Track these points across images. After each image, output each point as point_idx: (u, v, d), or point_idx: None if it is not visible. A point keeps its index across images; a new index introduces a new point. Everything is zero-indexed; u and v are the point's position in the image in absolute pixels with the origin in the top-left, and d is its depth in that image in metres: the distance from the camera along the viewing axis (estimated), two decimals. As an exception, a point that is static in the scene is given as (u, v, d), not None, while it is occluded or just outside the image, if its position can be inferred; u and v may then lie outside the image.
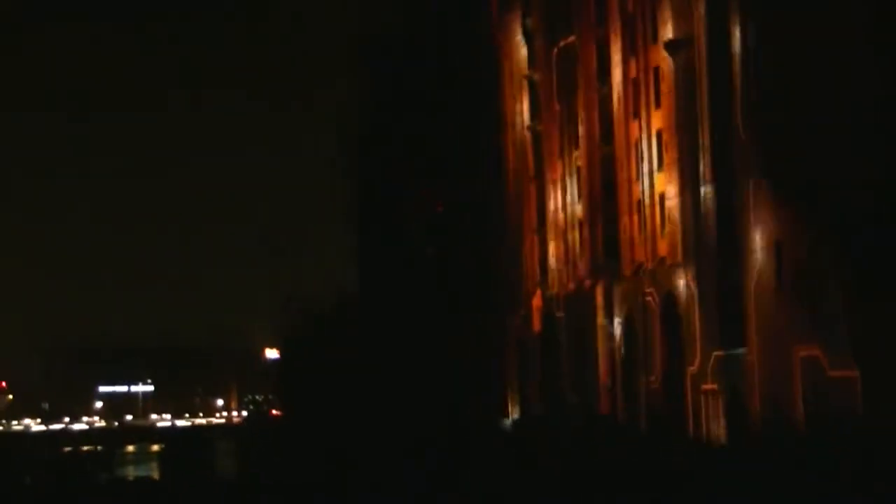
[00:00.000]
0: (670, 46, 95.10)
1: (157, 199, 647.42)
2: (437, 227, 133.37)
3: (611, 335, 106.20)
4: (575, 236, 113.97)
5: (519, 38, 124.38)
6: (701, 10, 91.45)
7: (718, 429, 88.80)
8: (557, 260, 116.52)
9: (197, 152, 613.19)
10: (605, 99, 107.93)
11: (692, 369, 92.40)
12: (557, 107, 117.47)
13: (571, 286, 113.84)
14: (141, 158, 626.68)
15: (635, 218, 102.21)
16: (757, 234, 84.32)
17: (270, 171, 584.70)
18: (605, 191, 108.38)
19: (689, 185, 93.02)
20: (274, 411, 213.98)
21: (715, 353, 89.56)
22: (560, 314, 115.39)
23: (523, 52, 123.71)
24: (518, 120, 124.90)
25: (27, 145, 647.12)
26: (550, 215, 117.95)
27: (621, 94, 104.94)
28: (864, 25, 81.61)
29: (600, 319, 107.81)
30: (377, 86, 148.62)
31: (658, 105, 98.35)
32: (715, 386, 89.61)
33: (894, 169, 77.87)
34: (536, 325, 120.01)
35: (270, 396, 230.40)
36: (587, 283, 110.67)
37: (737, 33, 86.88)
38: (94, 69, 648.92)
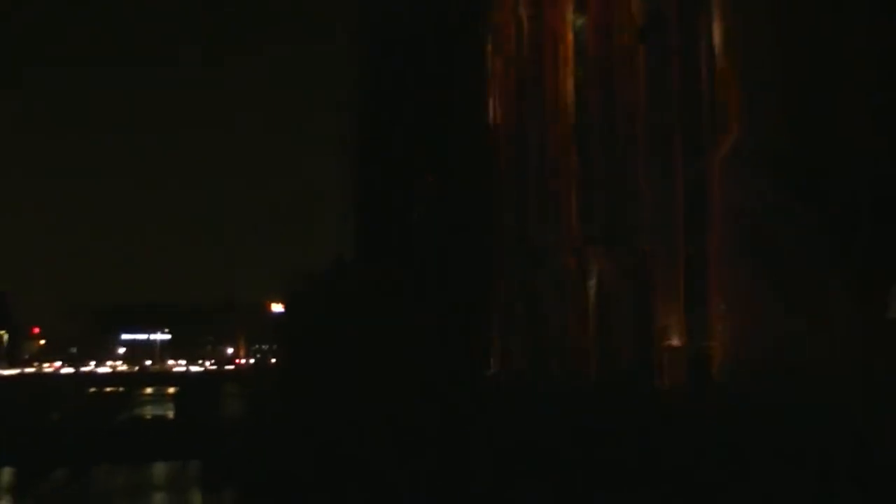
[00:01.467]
0: (640, 32, 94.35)
1: (177, 172, 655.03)
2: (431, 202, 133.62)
3: (586, 296, 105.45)
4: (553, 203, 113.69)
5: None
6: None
7: (680, 378, 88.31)
8: (538, 224, 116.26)
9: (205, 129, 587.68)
10: (582, 72, 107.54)
11: (658, 326, 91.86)
12: (533, 86, 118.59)
13: (549, 251, 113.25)
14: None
15: (610, 189, 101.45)
16: (718, 205, 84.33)
17: (277, 145, 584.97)
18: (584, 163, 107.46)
19: (660, 154, 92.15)
20: (273, 360, 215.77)
21: (679, 312, 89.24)
22: (542, 279, 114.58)
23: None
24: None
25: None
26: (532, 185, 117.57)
27: (596, 73, 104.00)
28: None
29: (577, 283, 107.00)
30: (378, 81, 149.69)
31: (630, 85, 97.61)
32: (677, 342, 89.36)
33: (848, 131, 77.03)
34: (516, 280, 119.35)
35: (274, 346, 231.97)
36: (565, 246, 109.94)
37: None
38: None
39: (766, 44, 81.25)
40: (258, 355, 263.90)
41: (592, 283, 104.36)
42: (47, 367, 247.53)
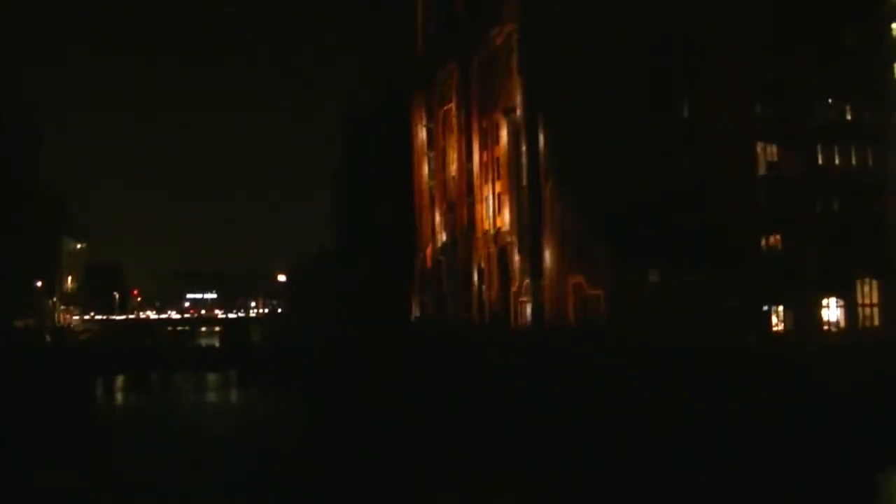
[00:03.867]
0: (505, 111, 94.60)
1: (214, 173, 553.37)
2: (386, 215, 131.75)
3: (470, 271, 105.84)
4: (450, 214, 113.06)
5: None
6: (519, 92, 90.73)
7: (526, 323, 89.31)
8: (441, 226, 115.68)
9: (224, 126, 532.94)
10: (469, 136, 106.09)
11: (514, 290, 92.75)
12: (441, 144, 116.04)
13: (448, 241, 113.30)
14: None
15: (484, 205, 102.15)
16: (552, 214, 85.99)
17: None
18: (468, 190, 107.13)
19: (515, 187, 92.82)
20: (279, 310, 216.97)
21: (526, 281, 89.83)
22: (443, 258, 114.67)
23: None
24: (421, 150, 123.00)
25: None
26: (438, 202, 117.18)
27: (478, 135, 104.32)
28: (640, 91, 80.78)
29: (464, 261, 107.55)
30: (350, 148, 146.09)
31: (497, 142, 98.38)
32: (526, 299, 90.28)
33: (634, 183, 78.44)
34: (429, 263, 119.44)
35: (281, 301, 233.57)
36: (458, 240, 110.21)
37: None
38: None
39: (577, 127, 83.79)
40: (271, 307, 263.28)
41: (474, 264, 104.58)
42: (142, 315, 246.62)
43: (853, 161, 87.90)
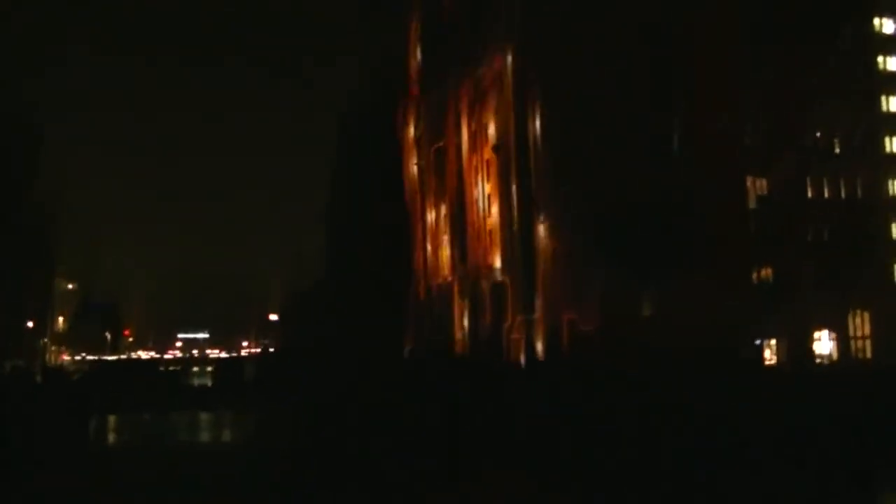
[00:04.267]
0: (495, 148, 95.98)
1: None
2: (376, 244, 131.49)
3: (462, 306, 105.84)
4: (444, 250, 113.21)
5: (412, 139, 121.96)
6: (511, 123, 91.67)
7: (519, 359, 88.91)
8: (434, 262, 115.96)
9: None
10: (461, 174, 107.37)
11: (507, 326, 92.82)
12: (433, 182, 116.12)
13: (441, 279, 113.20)
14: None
15: (476, 241, 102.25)
16: (542, 248, 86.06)
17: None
18: (461, 227, 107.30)
19: (506, 221, 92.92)
20: (271, 349, 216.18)
21: (519, 317, 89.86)
22: (436, 294, 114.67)
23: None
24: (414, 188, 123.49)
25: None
26: (431, 238, 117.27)
27: (469, 174, 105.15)
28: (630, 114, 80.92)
29: (457, 297, 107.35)
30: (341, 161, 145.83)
31: (488, 180, 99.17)
32: (519, 336, 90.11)
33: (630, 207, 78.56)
34: (422, 297, 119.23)
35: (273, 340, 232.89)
36: (449, 276, 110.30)
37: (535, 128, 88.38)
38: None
39: (570, 163, 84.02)
40: (263, 345, 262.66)
41: (466, 300, 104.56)
42: (134, 355, 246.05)
43: (842, 191, 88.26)
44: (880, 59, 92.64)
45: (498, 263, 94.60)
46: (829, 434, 53.12)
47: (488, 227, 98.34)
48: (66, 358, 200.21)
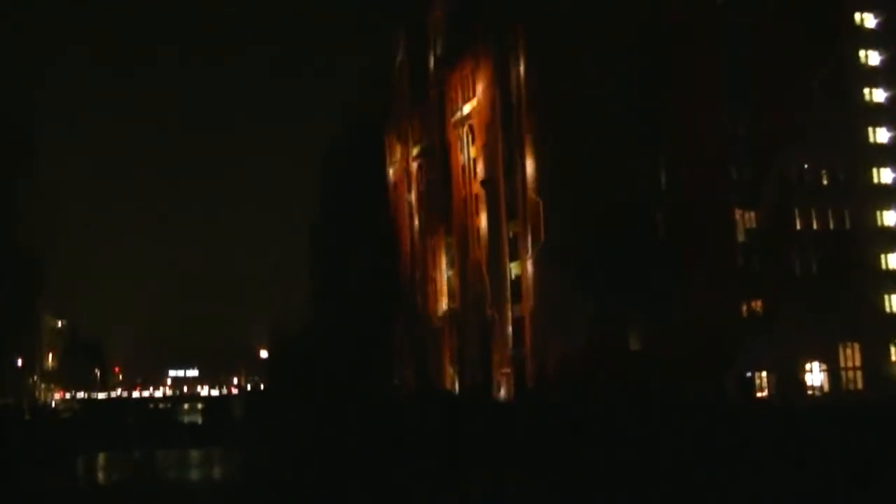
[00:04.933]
0: (483, 182, 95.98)
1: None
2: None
3: (451, 341, 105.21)
4: (433, 285, 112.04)
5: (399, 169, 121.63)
6: (500, 160, 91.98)
7: (509, 394, 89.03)
8: (423, 298, 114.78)
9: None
10: (450, 209, 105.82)
11: (496, 360, 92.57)
12: (422, 217, 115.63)
13: (430, 314, 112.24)
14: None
15: (466, 276, 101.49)
16: (528, 285, 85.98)
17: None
18: (450, 262, 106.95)
19: (494, 256, 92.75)
20: (261, 386, 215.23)
21: (508, 351, 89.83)
22: (424, 330, 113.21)
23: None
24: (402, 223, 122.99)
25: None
26: (419, 273, 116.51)
27: (459, 207, 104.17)
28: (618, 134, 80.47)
29: (446, 335, 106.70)
30: (327, 202, 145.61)
31: (477, 214, 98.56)
32: (508, 371, 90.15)
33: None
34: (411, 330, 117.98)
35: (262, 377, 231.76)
36: (438, 312, 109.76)
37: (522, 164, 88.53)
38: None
39: (558, 195, 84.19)
40: (252, 382, 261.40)
41: (455, 335, 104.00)
42: (124, 392, 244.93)
43: (831, 223, 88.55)
44: (865, 90, 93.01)
45: (488, 298, 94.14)
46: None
47: (477, 262, 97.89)
48: (57, 396, 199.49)
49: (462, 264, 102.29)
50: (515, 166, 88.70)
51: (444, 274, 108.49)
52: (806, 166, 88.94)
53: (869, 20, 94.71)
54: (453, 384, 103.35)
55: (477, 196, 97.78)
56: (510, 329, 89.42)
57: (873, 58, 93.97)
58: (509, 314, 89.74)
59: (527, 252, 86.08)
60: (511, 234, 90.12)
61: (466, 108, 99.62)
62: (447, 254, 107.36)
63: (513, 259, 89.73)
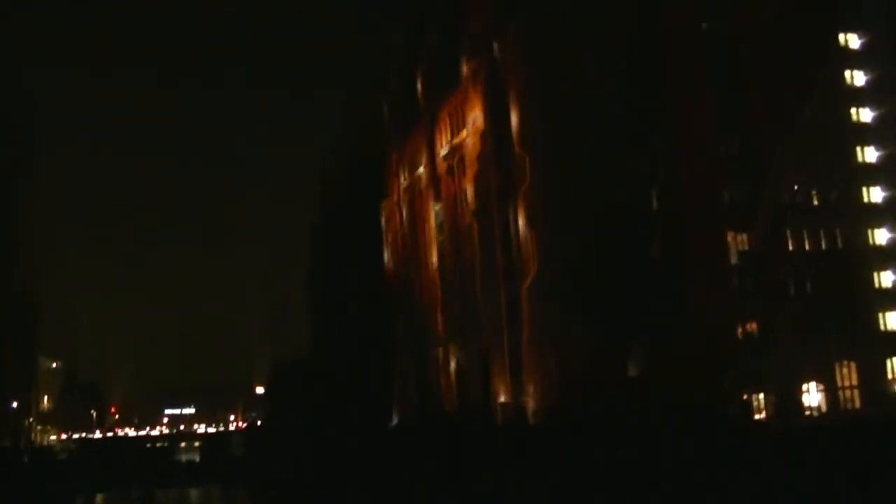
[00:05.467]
0: (475, 213, 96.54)
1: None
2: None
3: (451, 372, 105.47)
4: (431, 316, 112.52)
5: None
6: (493, 190, 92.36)
7: (509, 420, 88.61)
8: (422, 329, 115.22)
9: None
10: (444, 238, 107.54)
11: (495, 387, 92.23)
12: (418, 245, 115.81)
13: (429, 344, 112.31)
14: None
15: (463, 306, 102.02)
16: (525, 312, 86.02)
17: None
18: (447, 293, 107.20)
19: (491, 285, 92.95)
20: (259, 422, 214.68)
21: (507, 379, 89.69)
22: (424, 360, 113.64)
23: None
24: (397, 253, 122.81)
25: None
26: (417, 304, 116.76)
27: (451, 238, 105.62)
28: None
29: (449, 361, 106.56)
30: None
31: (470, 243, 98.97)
32: (508, 400, 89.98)
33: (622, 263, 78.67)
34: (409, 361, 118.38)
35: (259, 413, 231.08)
36: (437, 341, 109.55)
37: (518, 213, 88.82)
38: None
39: (552, 224, 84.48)
40: (250, 419, 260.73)
41: (453, 365, 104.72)
42: (121, 432, 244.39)
43: (823, 243, 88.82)
44: (853, 110, 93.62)
45: (485, 327, 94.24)
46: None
47: (474, 292, 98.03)
48: (53, 438, 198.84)
49: (460, 295, 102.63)
50: (506, 198, 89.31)
51: (443, 306, 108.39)
52: (796, 187, 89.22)
53: (853, 41, 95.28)
54: (454, 401, 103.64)
55: (469, 226, 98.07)
56: (509, 359, 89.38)
57: (858, 78, 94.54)
58: (508, 344, 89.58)
59: (522, 282, 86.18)
60: (505, 262, 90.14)
61: (457, 139, 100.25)
62: (444, 286, 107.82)
63: (507, 288, 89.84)
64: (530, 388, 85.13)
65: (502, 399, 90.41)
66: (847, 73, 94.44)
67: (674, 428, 63.32)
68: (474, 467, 70.74)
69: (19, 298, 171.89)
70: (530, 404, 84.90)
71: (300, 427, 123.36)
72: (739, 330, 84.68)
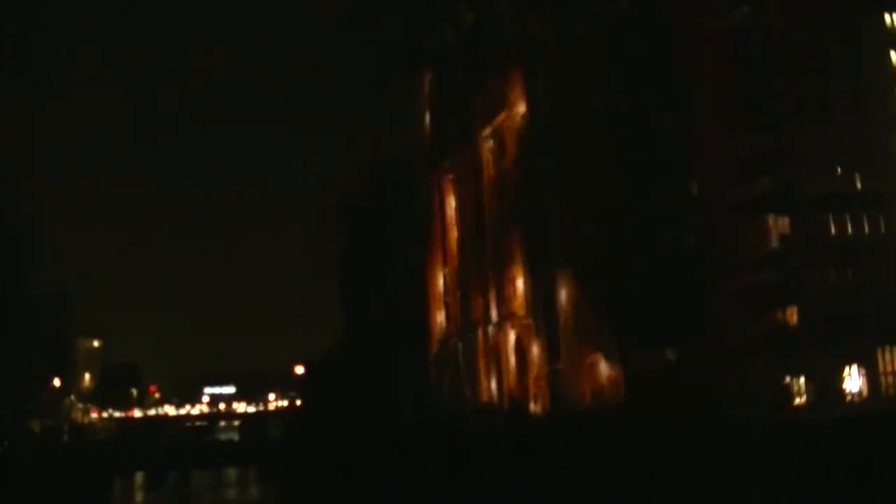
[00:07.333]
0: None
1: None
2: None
3: (487, 360, 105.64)
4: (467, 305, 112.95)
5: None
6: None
7: (546, 408, 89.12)
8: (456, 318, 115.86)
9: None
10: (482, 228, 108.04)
11: (534, 376, 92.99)
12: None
13: (463, 328, 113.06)
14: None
15: (496, 292, 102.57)
16: (561, 302, 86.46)
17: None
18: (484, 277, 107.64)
19: (529, 275, 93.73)
20: (298, 402, 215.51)
21: (544, 367, 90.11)
22: (460, 346, 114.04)
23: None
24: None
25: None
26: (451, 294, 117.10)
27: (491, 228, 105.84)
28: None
29: (481, 349, 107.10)
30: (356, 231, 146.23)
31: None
32: (544, 384, 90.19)
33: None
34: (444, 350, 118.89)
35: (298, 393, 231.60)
36: (472, 331, 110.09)
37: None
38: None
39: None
40: (289, 398, 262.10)
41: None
42: (161, 411, 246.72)
43: (866, 228, 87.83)
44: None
45: (522, 312, 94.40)
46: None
47: (512, 276, 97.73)
48: (94, 416, 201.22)
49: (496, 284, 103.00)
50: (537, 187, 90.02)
51: (478, 295, 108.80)
52: (839, 171, 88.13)
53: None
54: (490, 398, 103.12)
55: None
56: (546, 346, 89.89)
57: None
58: (545, 332, 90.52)
59: (560, 271, 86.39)
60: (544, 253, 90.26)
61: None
62: (480, 269, 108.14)
63: (546, 277, 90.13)
64: (566, 377, 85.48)
65: (539, 387, 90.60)
66: (893, 54, 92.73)
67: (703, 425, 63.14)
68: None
69: (57, 278, 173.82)
70: (566, 393, 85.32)
71: (321, 418, 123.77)
72: (779, 314, 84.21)
